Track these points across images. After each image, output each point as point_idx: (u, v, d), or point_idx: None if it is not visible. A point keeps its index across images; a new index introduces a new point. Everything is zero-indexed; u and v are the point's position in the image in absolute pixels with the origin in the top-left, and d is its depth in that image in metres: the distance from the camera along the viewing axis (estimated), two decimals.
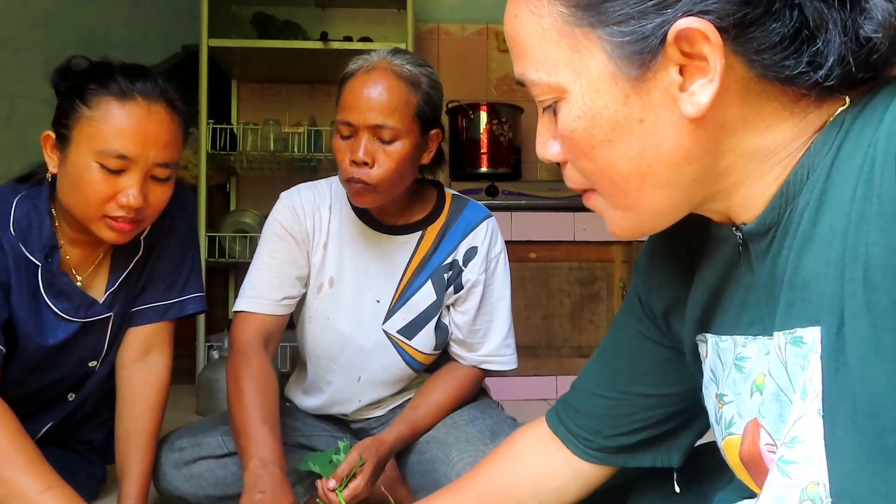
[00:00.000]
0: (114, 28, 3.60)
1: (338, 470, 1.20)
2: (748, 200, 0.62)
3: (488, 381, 1.64)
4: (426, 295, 1.39)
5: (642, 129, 0.58)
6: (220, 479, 1.35)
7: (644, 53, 0.56)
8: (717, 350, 0.70)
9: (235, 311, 1.34)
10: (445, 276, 1.40)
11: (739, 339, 0.67)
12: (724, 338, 0.69)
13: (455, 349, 1.45)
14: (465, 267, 1.40)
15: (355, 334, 1.38)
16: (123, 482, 1.28)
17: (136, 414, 1.31)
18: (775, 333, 0.58)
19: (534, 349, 2.66)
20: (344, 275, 1.38)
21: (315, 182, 1.44)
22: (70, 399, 1.37)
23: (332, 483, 1.18)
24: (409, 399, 1.46)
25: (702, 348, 0.73)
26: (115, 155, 1.13)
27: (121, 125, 1.13)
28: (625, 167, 0.60)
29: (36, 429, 1.36)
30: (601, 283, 2.70)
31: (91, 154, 1.13)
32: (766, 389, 0.60)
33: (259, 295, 1.33)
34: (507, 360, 1.46)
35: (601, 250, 2.70)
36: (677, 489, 0.85)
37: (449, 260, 1.40)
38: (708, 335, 0.71)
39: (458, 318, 1.42)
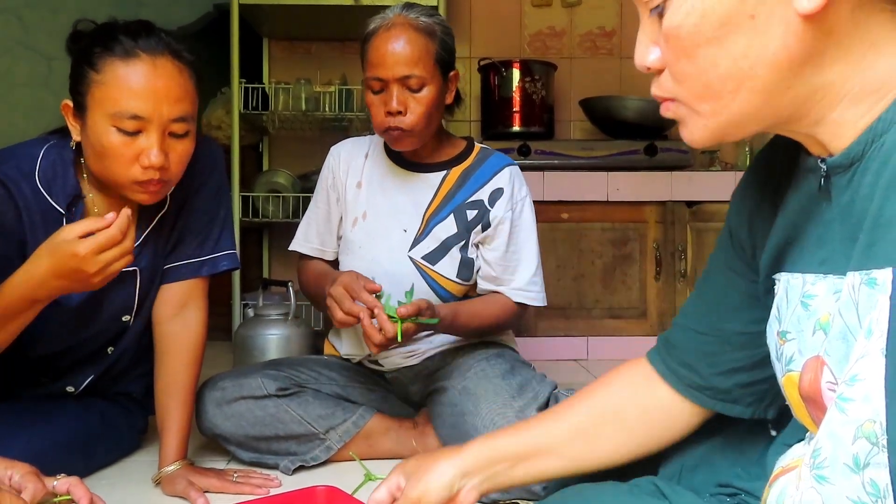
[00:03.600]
0: None
1: (409, 306, 1.27)
2: (839, 128, 0.62)
3: (518, 341, 1.65)
4: (448, 226, 1.49)
5: (752, 26, 0.59)
6: (259, 419, 1.40)
7: None
8: (786, 287, 0.71)
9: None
10: (468, 213, 1.48)
11: (809, 276, 0.67)
12: (794, 275, 0.69)
13: (486, 286, 1.51)
14: (492, 207, 1.49)
15: (384, 261, 1.48)
16: (163, 434, 1.32)
17: (173, 368, 1.35)
18: (850, 273, 0.58)
19: (564, 310, 2.66)
20: (375, 209, 1.52)
21: (361, 137, 1.63)
22: (109, 352, 1.41)
23: (402, 309, 1.26)
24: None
25: (776, 287, 0.74)
26: (129, 116, 1.13)
27: (129, 85, 1.13)
28: (726, 67, 0.61)
29: (79, 381, 1.41)
30: (634, 244, 2.68)
31: (106, 119, 1.14)
32: (833, 328, 0.60)
33: (302, 238, 1.60)
34: (534, 296, 1.52)
35: (634, 211, 2.66)
36: (773, 433, 0.86)
37: (473, 199, 1.49)
38: (782, 274, 0.72)
39: (488, 255, 1.49)
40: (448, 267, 1.48)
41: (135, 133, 1.14)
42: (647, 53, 0.66)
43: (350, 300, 1.28)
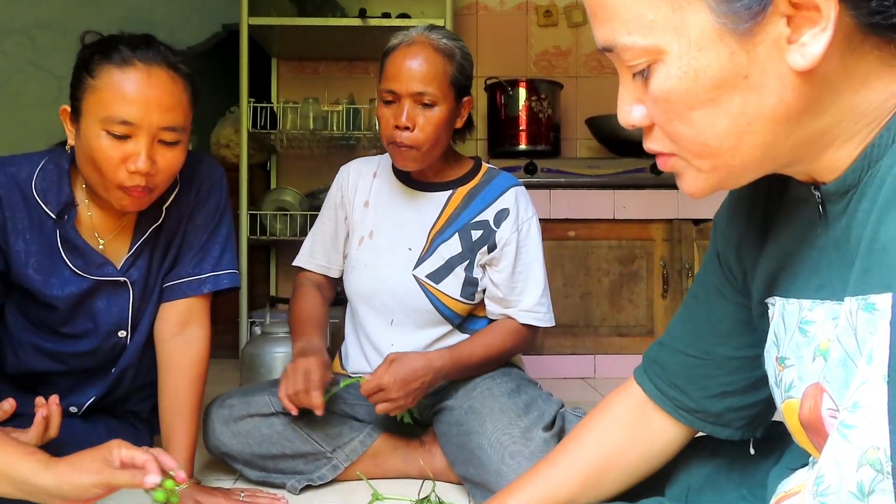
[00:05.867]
0: (156, 8, 3.66)
1: (377, 369, 1.34)
2: (834, 162, 0.61)
3: (525, 359, 1.64)
4: (453, 246, 1.49)
5: (746, 86, 0.57)
6: (266, 437, 1.40)
7: (753, 6, 0.55)
8: (782, 313, 0.69)
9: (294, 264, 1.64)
10: (473, 233, 1.49)
11: (806, 302, 0.66)
12: (790, 301, 0.68)
13: (493, 308, 1.51)
14: (498, 228, 1.49)
15: (388, 278, 1.49)
16: (169, 453, 1.31)
17: (177, 387, 1.34)
18: (847, 299, 0.57)
19: (572, 328, 2.65)
20: (382, 228, 1.53)
21: (371, 157, 1.64)
22: (112, 372, 1.41)
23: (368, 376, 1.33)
24: None
25: (770, 311, 0.73)
26: (119, 121, 1.16)
27: (122, 91, 1.16)
28: (723, 127, 0.59)
29: (81, 401, 1.41)
30: (641, 262, 2.67)
31: (98, 122, 1.17)
32: (832, 355, 0.59)
33: (307, 254, 1.61)
34: (542, 317, 1.51)
35: (641, 228, 2.66)
36: (752, 451, 0.86)
37: (478, 219, 1.49)
38: (777, 298, 0.71)
39: (495, 277, 1.49)
40: (452, 286, 1.48)
41: (123, 138, 1.17)
42: (630, 111, 0.64)
43: (302, 390, 1.31)
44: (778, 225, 0.72)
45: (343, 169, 1.61)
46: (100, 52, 1.19)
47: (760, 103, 0.57)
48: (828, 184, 0.62)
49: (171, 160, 1.21)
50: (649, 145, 0.65)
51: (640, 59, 0.60)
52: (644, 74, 0.61)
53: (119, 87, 1.16)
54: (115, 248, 1.34)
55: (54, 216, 1.27)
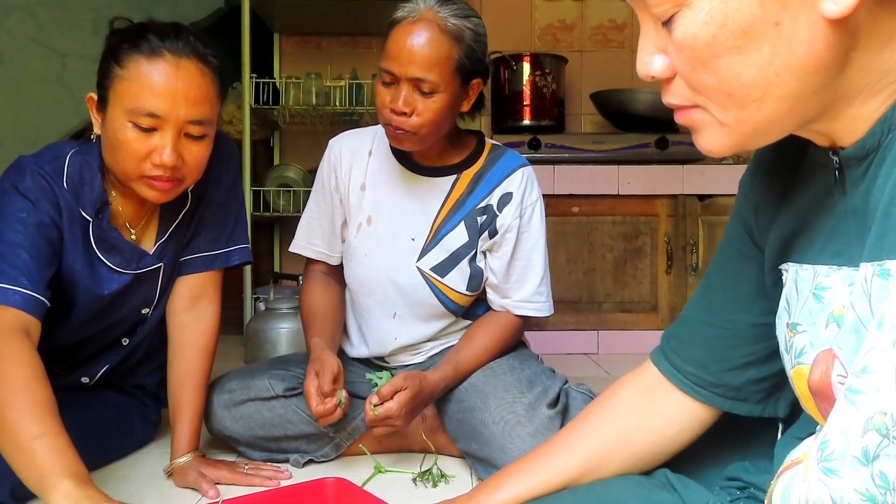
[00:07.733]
0: None
1: (381, 389, 1.28)
2: (853, 123, 0.60)
3: (528, 335, 1.64)
4: (459, 235, 1.43)
5: (776, 33, 0.56)
6: (268, 420, 1.40)
7: None
8: (795, 279, 0.69)
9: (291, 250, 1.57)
10: (479, 219, 1.43)
11: (822, 268, 0.65)
12: (804, 266, 0.68)
13: (490, 295, 1.48)
14: (500, 212, 1.43)
15: (390, 270, 1.44)
16: (175, 426, 1.34)
17: (186, 360, 1.36)
18: (862, 264, 0.56)
19: (575, 304, 2.65)
20: (381, 214, 1.45)
21: (362, 129, 1.53)
22: (125, 344, 1.43)
23: (374, 399, 1.27)
24: (449, 347, 1.49)
25: (784, 277, 0.72)
26: (145, 113, 1.14)
27: (149, 83, 1.14)
28: (749, 76, 0.57)
29: (93, 372, 1.42)
30: (645, 238, 2.67)
31: (124, 113, 1.15)
32: (845, 321, 0.59)
33: (304, 240, 1.53)
34: (539, 306, 1.47)
35: (645, 204, 2.65)
36: (780, 435, 0.84)
37: (483, 204, 1.43)
38: (790, 264, 0.70)
39: (493, 264, 1.45)
40: (457, 279, 1.43)
41: (150, 130, 1.15)
42: (651, 62, 0.62)
43: (319, 399, 1.26)
44: (795, 189, 0.72)
45: (333, 144, 1.49)
46: (128, 40, 1.16)
47: (790, 53, 0.56)
48: (847, 148, 0.61)
49: (196, 154, 1.20)
50: (668, 99, 0.64)
51: (666, 5, 0.59)
52: (668, 23, 0.60)
53: (147, 78, 1.14)
54: (145, 234, 1.35)
55: (90, 217, 1.26)
